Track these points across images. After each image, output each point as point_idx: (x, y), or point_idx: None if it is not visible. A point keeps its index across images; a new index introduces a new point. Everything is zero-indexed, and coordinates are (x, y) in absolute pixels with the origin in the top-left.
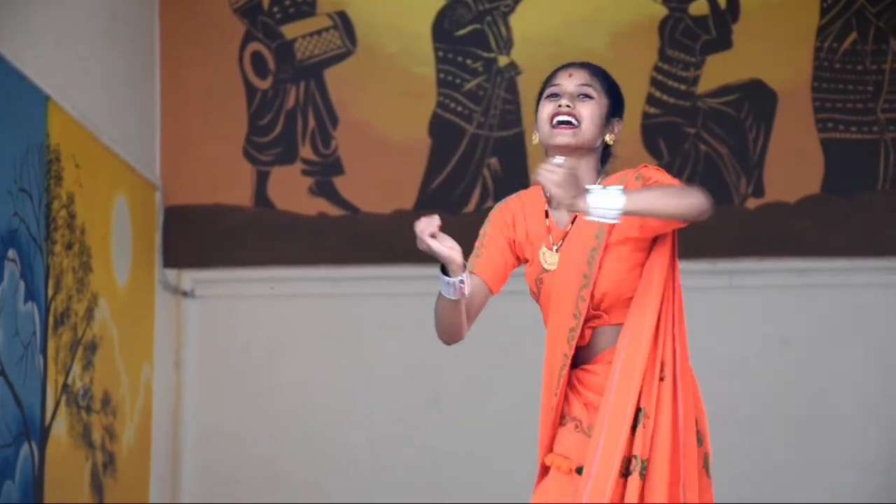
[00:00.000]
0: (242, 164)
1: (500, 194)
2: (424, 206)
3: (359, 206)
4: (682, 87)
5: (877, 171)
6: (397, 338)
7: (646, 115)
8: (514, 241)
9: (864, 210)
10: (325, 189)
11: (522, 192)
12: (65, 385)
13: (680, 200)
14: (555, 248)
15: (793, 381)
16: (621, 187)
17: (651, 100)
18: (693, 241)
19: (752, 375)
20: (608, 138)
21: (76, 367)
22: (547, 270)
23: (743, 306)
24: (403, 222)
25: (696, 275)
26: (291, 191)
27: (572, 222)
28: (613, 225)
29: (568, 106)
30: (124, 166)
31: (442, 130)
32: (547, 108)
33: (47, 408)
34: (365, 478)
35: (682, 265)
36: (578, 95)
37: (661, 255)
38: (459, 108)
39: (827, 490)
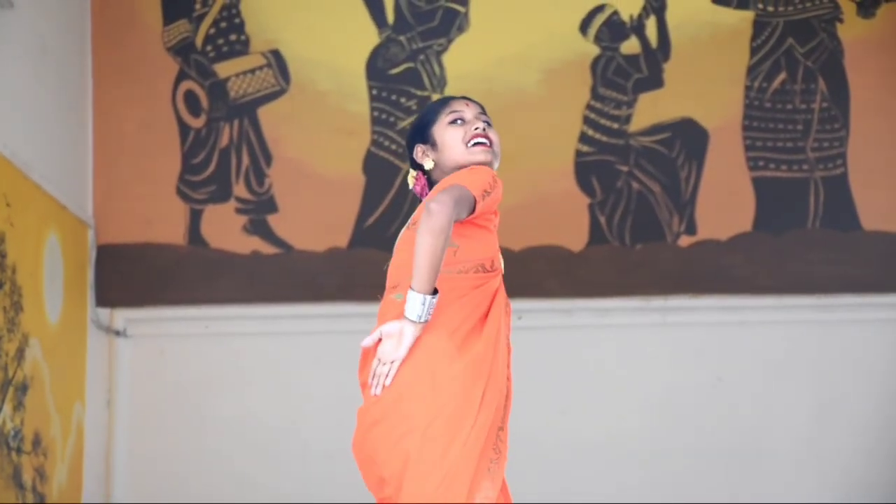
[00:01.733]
0: (176, 203)
1: None
2: (359, 243)
3: (293, 244)
4: (615, 125)
5: (807, 208)
6: (330, 375)
7: (578, 153)
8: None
9: (794, 248)
10: (259, 227)
11: None
12: None
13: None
14: None
15: (725, 417)
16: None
17: (584, 138)
18: (626, 277)
19: (684, 412)
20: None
21: (7, 408)
22: None
23: (676, 343)
24: (337, 260)
25: (629, 312)
26: (225, 229)
27: None
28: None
29: (482, 129)
30: (56, 204)
31: (376, 168)
32: (457, 133)
33: None
34: None
35: (615, 302)
36: (481, 120)
37: None
38: (393, 146)
39: None
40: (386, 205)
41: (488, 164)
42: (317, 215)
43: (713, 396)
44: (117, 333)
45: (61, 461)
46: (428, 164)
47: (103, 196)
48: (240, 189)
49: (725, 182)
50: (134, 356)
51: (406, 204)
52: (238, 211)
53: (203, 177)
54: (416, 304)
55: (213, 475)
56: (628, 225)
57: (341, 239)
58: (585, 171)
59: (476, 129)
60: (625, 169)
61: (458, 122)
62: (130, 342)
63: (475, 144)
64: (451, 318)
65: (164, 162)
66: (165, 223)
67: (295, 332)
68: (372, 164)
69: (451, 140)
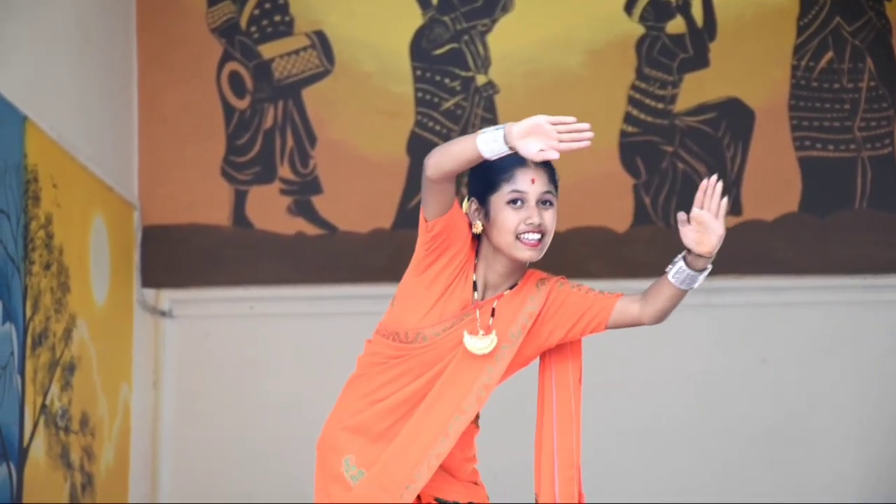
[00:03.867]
0: (220, 184)
1: None
2: (402, 224)
3: (337, 225)
4: (660, 105)
5: (853, 189)
6: None
7: (623, 134)
8: (447, 251)
9: (840, 228)
10: (303, 208)
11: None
12: (43, 406)
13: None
14: (481, 332)
15: (770, 399)
16: None
17: (628, 118)
18: (670, 259)
19: (728, 393)
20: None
21: (54, 388)
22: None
23: (720, 325)
24: (381, 241)
25: None
26: (270, 210)
27: (492, 314)
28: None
29: (539, 225)
30: (102, 186)
31: (420, 149)
32: (512, 218)
33: (25, 429)
34: None
35: None
36: (542, 202)
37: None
38: (437, 127)
39: None
40: None
41: (530, 261)
42: (361, 196)
43: (757, 378)
44: (163, 314)
45: (108, 441)
46: (476, 228)
47: (149, 177)
48: (284, 170)
49: (771, 162)
50: (179, 337)
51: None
52: (282, 192)
53: (247, 158)
54: (487, 138)
55: (259, 456)
56: (673, 206)
57: (385, 220)
58: (630, 152)
59: (531, 223)
60: (670, 149)
61: (518, 202)
62: (176, 323)
63: (523, 241)
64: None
65: (208, 143)
66: (210, 204)
67: (339, 312)
68: (416, 146)
69: (506, 222)
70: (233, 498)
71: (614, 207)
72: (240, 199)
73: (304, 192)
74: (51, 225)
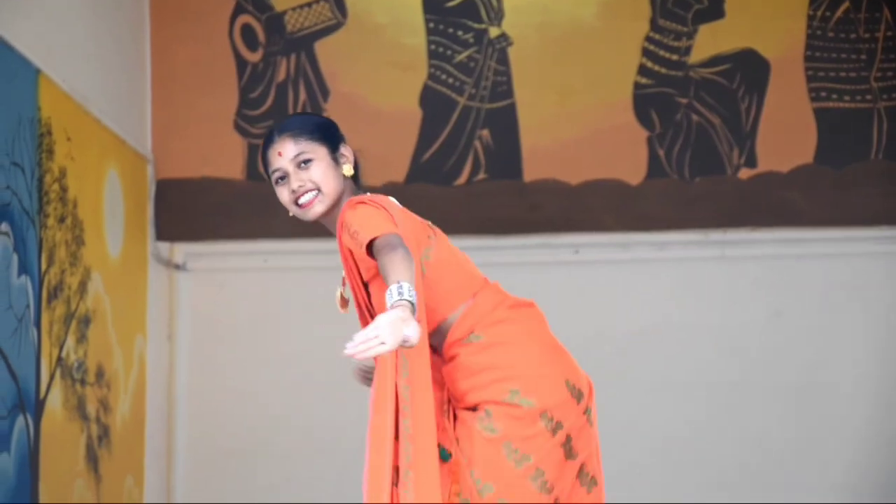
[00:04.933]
0: (234, 137)
1: (492, 166)
2: (416, 177)
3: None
4: (674, 56)
5: (870, 140)
6: None
7: (637, 86)
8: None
9: (856, 180)
10: None
11: None
12: (59, 358)
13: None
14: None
15: (784, 351)
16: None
17: (643, 70)
18: (685, 211)
19: (743, 346)
20: (346, 171)
21: (70, 341)
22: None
23: (735, 277)
24: (394, 194)
25: (688, 245)
26: None
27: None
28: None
29: (299, 187)
30: (115, 139)
31: (433, 102)
32: (283, 195)
33: (42, 381)
34: (356, 450)
35: (673, 236)
36: (298, 165)
37: None
38: (450, 80)
39: (819, 460)
40: (442, 139)
41: (318, 216)
42: (373, 150)
43: (772, 330)
44: (177, 267)
45: (124, 393)
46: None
47: (162, 131)
48: None
49: (786, 114)
50: (194, 290)
51: (463, 137)
52: None
53: (260, 111)
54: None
55: (272, 407)
56: (687, 158)
57: (398, 173)
58: (644, 104)
59: (293, 189)
60: (684, 101)
61: (283, 178)
62: (190, 276)
63: (300, 206)
64: None
65: (221, 96)
66: (223, 158)
67: None
68: (429, 98)
69: (281, 199)
70: (248, 448)
71: (628, 160)
72: (253, 153)
73: None
74: (65, 178)
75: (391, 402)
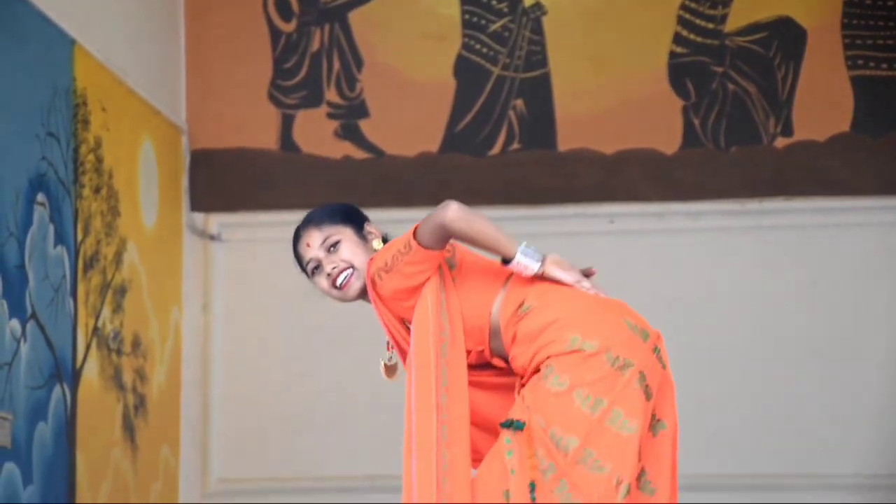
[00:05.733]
0: (268, 108)
1: (526, 136)
2: (449, 148)
3: (384, 149)
4: (710, 25)
5: None
6: None
7: (672, 55)
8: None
9: (893, 148)
10: (350, 132)
11: None
12: (95, 328)
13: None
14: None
15: (820, 321)
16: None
17: (678, 39)
18: (720, 180)
19: (778, 316)
20: (376, 245)
21: (106, 311)
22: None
23: (770, 247)
24: (428, 165)
25: (724, 215)
26: (317, 134)
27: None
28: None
29: (333, 269)
30: (150, 110)
31: (467, 72)
32: (322, 283)
33: (78, 350)
34: (390, 420)
35: (709, 206)
36: (328, 250)
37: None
38: (485, 50)
39: (853, 428)
40: (476, 109)
41: (358, 293)
42: (408, 120)
43: (807, 300)
44: (212, 238)
45: (160, 363)
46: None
47: (196, 102)
48: (331, 94)
49: (823, 82)
50: (229, 260)
51: (497, 107)
52: (329, 116)
53: (294, 82)
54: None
55: (307, 376)
56: (723, 127)
57: (432, 144)
58: (679, 73)
59: (328, 273)
60: (720, 70)
61: (316, 269)
62: (225, 247)
63: (340, 288)
64: None
65: (255, 67)
66: (258, 128)
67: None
68: (463, 68)
69: (321, 289)
70: (283, 417)
71: (663, 129)
72: (287, 123)
73: (350, 116)
74: (100, 149)
75: (434, 410)
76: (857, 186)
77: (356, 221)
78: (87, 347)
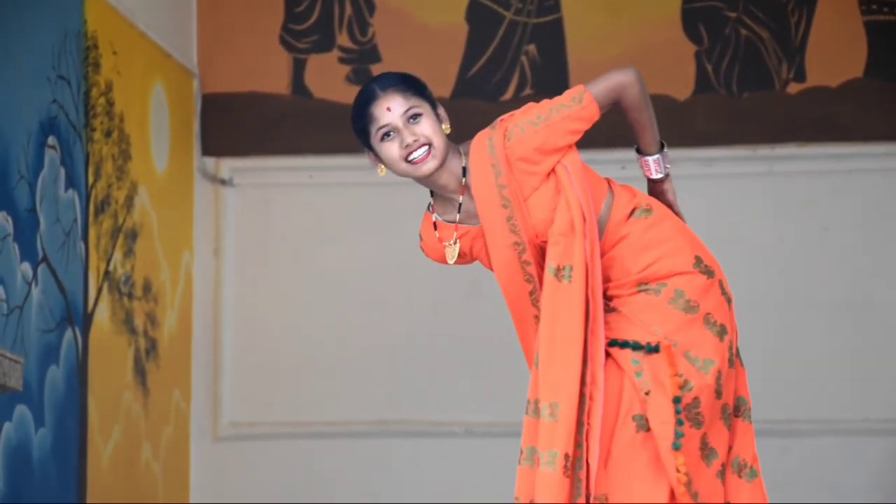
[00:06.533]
0: (279, 52)
1: (539, 82)
2: (462, 93)
3: None
4: None
5: None
6: None
7: (686, 0)
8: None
9: None
10: (362, 77)
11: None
12: (106, 272)
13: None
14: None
15: (833, 267)
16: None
17: None
18: (733, 126)
19: (791, 262)
20: (446, 129)
21: (117, 255)
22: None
23: (782, 193)
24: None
25: (736, 161)
26: (329, 79)
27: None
28: (510, 177)
29: (414, 141)
30: (161, 54)
31: (479, 17)
32: (392, 151)
33: (90, 294)
34: (401, 365)
35: (722, 152)
36: (409, 120)
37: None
38: None
39: (863, 376)
40: (489, 55)
41: (432, 172)
42: (420, 65)
43: (820, 246)
44: (223, 182)
45: (171, 308)
46: (381, 172)
47: (207, 46)
48: (343, 38)
49: (836, 27)
50: (240, 205)
51: (509, 53)
52: (341, 60)
53: (306, 26)
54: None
55: (317, 322)
56: (735, 73)
57: (444, 89)
58: (692, 19)
59: (407, 144)
60: (733, 15)
61: (389, 135)
62: (236, 191)
63: (412, 162)
64: None
65: (266, 10)
66: (269, 73)
67: (398, 182)
68: (475, 13)
69: (390, 156)
70: (294, 362)
71: (676, 75)
72: (298, 68)
73: (362, 61)
74: (111, 92)
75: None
76: (869, 132)
77: (433, 101)
78: (99, 291)
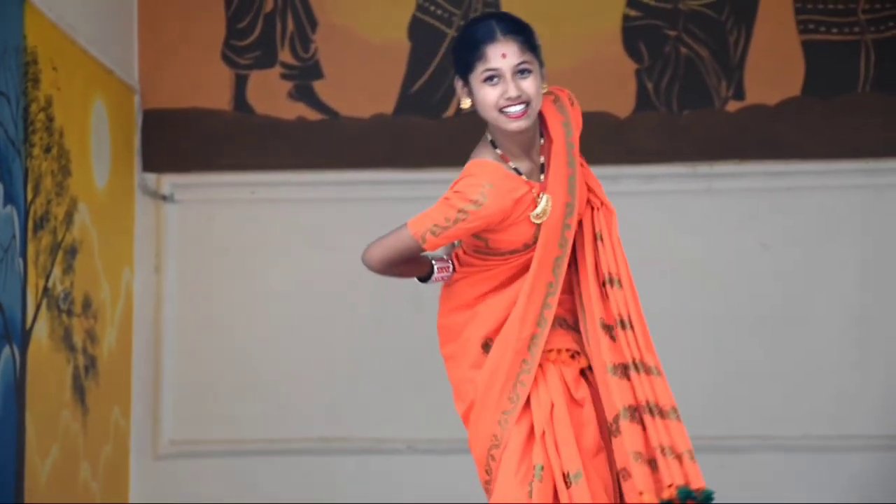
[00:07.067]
0: (221, 68)
1: None
2: (404, 109)
3: (338, 110)
4: None
5: (857, 72)
6: None
7: (626, 18)
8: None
9: (844, 112)
10: (304, 93)
11: (498, 185)
12: (45, 288)
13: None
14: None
15: (772, 283)
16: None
17: (631, 2)
18: (672, 144)
19: (730, 279)
20: (544, 89)
21: (56, 271)
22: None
23: (722, 210)
24: (383, 126)
25: (675, 178)
26: (271, 95)
27: (541, 170)
28: (577, 138)
29: (518, 97)
30: (102, 69)
31: (421, 34)
32: (490, 94)
33: (28, 311)
34: (343, 382)
35: (662, 169)
36: (518, 72)
37: None
38: (439, 12)
39: (802, 391)
40: (431, 71)
41: (522, 131)
42: (362, 81)
43: (759, 263)
44: (164, 199)
45: (111, 325)
46: (465, 104)
47: (149, 61)
48: (285, 55)
49: (775, 46)
50: (181, 222)
51: (451, 69)
52: (283, 77)
53: (248, 42)
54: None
55: (259, 339)
56: (676, 91)
57: (387, 105)
58: (633, 36)
59: (509, 97)
60: (673, 34)
61: (494, 79)
62: (178, 207)
63: (507, 114)
64: None
65: (208, 26)
66: (211, 88)
67: (341, 198)
68: (417, 30)
69: (485, 99)
70: (235, 379)
71: (616, 93)
72: (240, 84)
73: (305, 77)
74: (51, 108)
75: None
76: (807, 150)
77: (542, 59)
78: (37, 308)
